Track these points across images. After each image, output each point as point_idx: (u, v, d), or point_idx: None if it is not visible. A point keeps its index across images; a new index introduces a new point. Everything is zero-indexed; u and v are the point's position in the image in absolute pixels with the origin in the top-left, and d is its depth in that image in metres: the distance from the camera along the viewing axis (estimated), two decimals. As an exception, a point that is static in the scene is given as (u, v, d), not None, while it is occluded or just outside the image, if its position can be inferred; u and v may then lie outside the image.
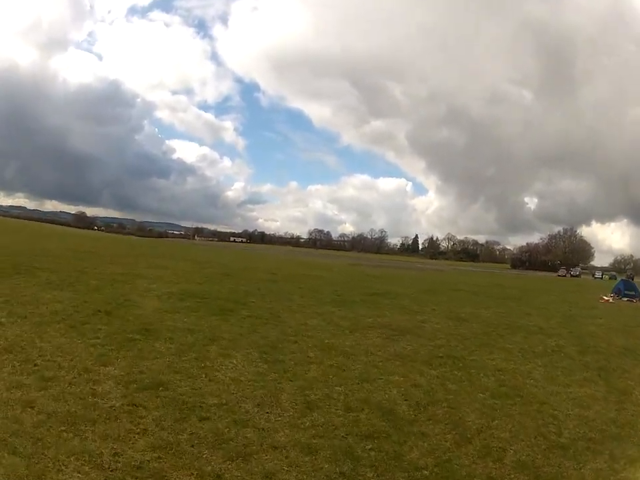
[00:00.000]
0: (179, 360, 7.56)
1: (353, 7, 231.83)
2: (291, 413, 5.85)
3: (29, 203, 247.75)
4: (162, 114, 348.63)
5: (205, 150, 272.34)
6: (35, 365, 6.82)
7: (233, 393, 6.47)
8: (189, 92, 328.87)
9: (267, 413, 5.90)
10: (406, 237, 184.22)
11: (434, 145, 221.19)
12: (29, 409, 5.43)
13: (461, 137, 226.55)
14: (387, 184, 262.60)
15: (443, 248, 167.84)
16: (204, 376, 7.00)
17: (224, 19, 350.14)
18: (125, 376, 6.72)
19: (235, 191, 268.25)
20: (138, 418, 5.54)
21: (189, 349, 8.05)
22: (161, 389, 6.39)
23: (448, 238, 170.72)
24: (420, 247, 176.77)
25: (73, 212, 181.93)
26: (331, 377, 7.20)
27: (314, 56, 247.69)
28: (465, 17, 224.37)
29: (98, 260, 22.80)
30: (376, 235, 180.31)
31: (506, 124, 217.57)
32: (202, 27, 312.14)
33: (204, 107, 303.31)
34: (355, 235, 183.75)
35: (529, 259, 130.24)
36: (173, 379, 6.76)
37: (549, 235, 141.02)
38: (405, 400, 6.52)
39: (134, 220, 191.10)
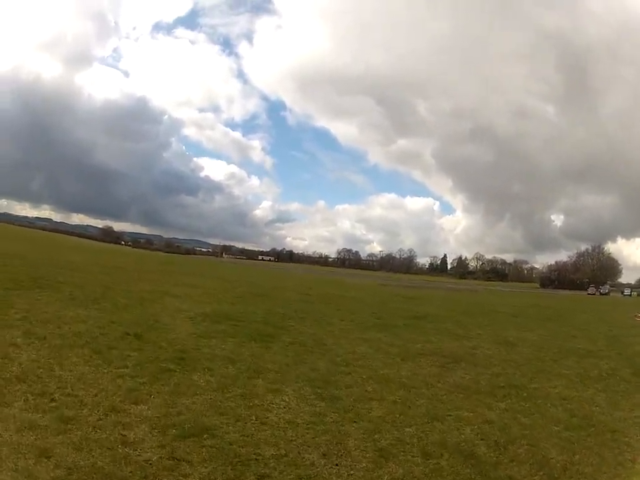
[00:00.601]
0: (222, 397, 6.57)
1: (374, 23, 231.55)
2: (364, 465, 5.05)
3: (55, 215, 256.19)
4: (189, 131, 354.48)
5: (233, 168, 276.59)
6: (53, 400, 5.81)
7: (292, 440, 5.44)
8: (216, 109, 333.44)
9: (336, 465, 4.94)
10: (434, 257, 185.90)
11: (460, 162, 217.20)
12: (45, 460, 4.38)
13: (487, 154, 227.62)
14: (415, 203, 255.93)
15: (471, 267, 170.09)
16: (254, 418, 5.96)
17: (249, 37, 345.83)
18: (161, 418, 5.63)
19: (262, 209, 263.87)
20: (181, 477, 4.44)
21: (232, 382, 7.26)
22: (205, 436, 5.28)
23: (476, 257, 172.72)
24: (449, 266, 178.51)
25: (100, 226, 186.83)
26: (397, 415, 6.61)
27: (337, 73, 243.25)
28: (484, 29, 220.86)
29: (125, 276, 22.18)
30: (405, 255, 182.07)
31: (531, 139, 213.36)
32: (227, 45, 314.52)
33: (231, 124, 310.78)
34: (384, 255, 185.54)
35: (557, 278, 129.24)
36: (219, 423, 5.68)
37: (576, 253, 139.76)
38: (482, 439, 6.04)
39: (161, 236, 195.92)
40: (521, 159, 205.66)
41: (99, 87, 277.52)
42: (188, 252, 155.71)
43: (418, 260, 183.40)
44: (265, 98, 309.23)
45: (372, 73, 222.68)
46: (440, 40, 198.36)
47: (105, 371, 7.15)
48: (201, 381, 7.18)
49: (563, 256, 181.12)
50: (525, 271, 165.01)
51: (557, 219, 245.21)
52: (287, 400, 6.69)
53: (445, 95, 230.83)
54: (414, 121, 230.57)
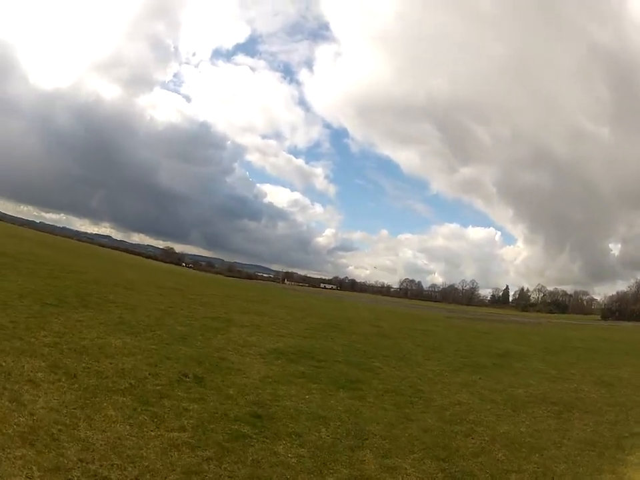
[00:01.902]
0: None
1: (431, 48, 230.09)
2: None
3: (115, 233, 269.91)
4: (252, 157, 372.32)
5: (297, 195, 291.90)
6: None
7: None
8: (278, 136, 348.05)
9: None
10: (496, 289, 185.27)
11: (520, 190, 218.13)
12: None
13: (546, 180, 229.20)
14: (476, 233, 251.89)
15: (533, 299, 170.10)
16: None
17: (309, 64, 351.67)
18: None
19: (325, 237, 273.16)
20: None
21: (331, 457, 5.69)
22: None
23: (538, 289, 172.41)
24: (510, 298, 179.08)
25: (160, 246, 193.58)
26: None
27: (397, 100, 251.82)
28: (539, 48, 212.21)
29: (185, 299, 20.65)
30: (467, 286, 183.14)
31: (588, 162, 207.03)
32: (288, 72, 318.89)
33: (294, 152, 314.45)
34: (446, 286, 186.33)
35: (618, 309, 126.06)
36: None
37: (635, 283, 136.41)
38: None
39: (223, 260, 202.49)
40: (580, 184, 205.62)
41: (161, 111, 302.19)
42: (249, 277, 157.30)
43: (479, 291, 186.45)
44: (327, 125, 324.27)
45: (431, 98, 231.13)
46: (497, 62, 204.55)
47: (153, 433, 5.34)
48: (289, 454, 5.55)
49: (620, 286, 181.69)
50: (585, 303, 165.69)
51: (615, 248, 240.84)
52: (412, 484, 5.32)
53: (504, 119, 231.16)
54: (474, 147, 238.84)
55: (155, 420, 5.64)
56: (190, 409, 6.27)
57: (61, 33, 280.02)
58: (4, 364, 6.47)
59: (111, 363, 7.61)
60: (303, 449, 5.72)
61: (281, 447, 5.68)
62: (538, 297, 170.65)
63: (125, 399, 6.13)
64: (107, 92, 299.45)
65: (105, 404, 5.81)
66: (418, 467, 5.77)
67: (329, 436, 6.33)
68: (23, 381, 5.98)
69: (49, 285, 14.72)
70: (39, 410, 5.22)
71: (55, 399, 5.61)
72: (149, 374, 7.45)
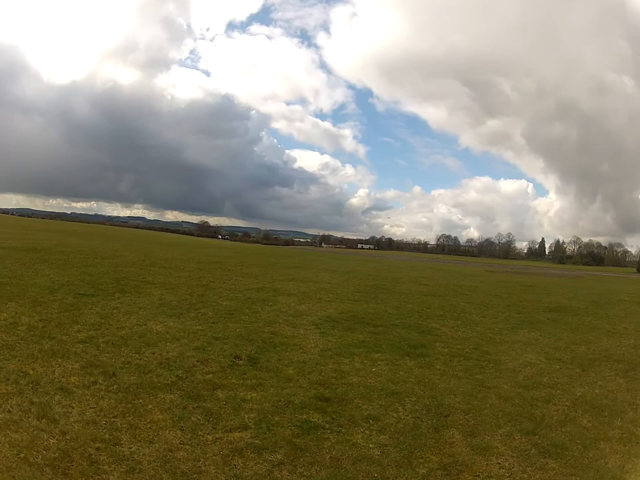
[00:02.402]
0: (414, 474, 4.27)
1: (448, 4, 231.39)
2: None
3: (148, 214, 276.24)
4: (279, 125, 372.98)
5: (327, 158, 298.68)
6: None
7: None
8: (303, 102, 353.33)
9: None
10: (532, 241, 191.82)
11: (549, 142, 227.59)
12: None
13: (574, 132, 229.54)
14: (508, 186, 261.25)
15: (569, 251, 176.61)
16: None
17: (325, 27, 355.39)
18: None
19: (359, 198, 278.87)
20: None
21: (415, 441, 5.04)
22: None
23: (574, 241, 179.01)
24: (547, 250, 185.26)
25: (195, 221, 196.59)
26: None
27: (419, 57, 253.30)
28: (552, 8, 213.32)
29: (226, 272, 19.88)
30: (503, 240, 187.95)
31: (613, 115, 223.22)
32: (305, 37, 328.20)
33: (320, 115, 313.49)
34: (482, 240, 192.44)
35: None
36: None
37: None
38: None
39: (259, 228, 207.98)
40: (607, 136, 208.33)
41: (181, 89, 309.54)
42: (287, 243, 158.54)
43: (515, 244, 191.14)
44: (351, 87, 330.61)
45: (452, 54, 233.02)
46: (513, 19, 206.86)
47: (210, 437, 4.50)
48: (370, 445, 4.78)
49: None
50: (619, 255, 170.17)
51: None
52: (507, 466, 4.67)
53: (527, 74, 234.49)
54: (501, 101, 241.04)
55: (210, 419, 4.80)
56: (248, 399, 5.43)
57: (66, 27, 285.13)
58: (31, 372, 5.67)
59: (153, 353, 6.80)
60: (383, 436, 4.98)
61: (359, 436, 4.91)
62: (574, 249, 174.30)
63: (172, 396, 5.29)
64: (124, 77, 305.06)
65: (150, 406, 4.97)
66: (509, 444, 5.16)
67: (407, 416, 5.61)
68: (53, 390, 5.17)
69: (83, 274, 14.02)
70: (72, 425, 4.39)
71: (90, 408, 4.78)
72: (197, 361, 6.63)
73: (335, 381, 6.47)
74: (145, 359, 6.55)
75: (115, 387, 5.40)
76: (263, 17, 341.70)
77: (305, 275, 22.38)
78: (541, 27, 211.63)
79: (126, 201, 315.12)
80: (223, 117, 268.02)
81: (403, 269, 40.48)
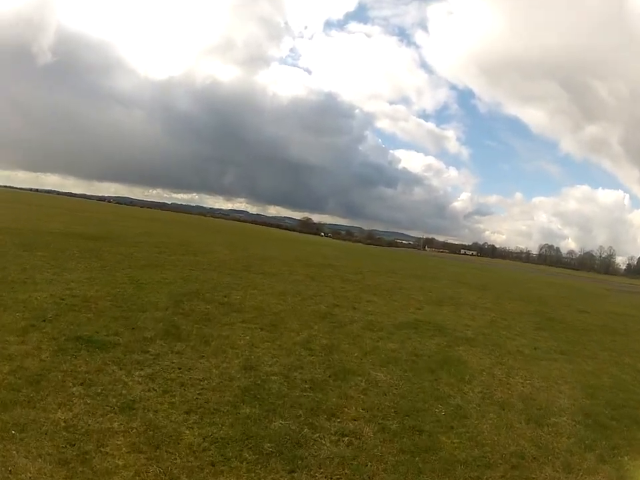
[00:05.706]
0: None
1: (541, 4, 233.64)
2: None
3: (250, 208, 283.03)
4: (382, 124, 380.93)
5: (431, 160, 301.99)
6: None
7: None
8: (406, 101, 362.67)
9: None
10: (631, 257, 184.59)
11: None
12: None
13: None
14: (605, 196, 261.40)
15: None
16: None
17: (423, 25, 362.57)
18: None
19: (462, 201, 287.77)
20: None
21: None
22: None
23: None
24: None
25: (297, 217, 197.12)
26: None
27: (518, 57, 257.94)
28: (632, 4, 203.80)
29: (346, 283, 15.59)
30: (605, 254, 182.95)
31: None
32: (403, 35, 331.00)
33: (423, 115, 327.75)
34: (582, 252, 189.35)
35: None
36: None
37: None
38: None
39: (361, 228, 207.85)
40: None
41: (283, 86, 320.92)
42: (390, 244, 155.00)
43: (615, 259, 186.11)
44: (452, 87, 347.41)
45: (550, 55, 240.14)
46: (603, 16, 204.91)
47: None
48: None
49: None
50: None
51: None
52: None
53: (621, 76, 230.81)
54: (598, 105, 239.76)
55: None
56: None
57: (160, 26, 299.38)
58: None
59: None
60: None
61: None
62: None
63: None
64: (224, 74, 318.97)
65: None
66: None
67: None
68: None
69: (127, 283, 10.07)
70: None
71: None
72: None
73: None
74: None
75: None
76: (360, 14, 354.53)
77: (445, 292, 18.13)
78: (624, 27, 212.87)
79: (228, 194, 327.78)
80: (328, 115, 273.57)
81: (528, 283, 36.43)
